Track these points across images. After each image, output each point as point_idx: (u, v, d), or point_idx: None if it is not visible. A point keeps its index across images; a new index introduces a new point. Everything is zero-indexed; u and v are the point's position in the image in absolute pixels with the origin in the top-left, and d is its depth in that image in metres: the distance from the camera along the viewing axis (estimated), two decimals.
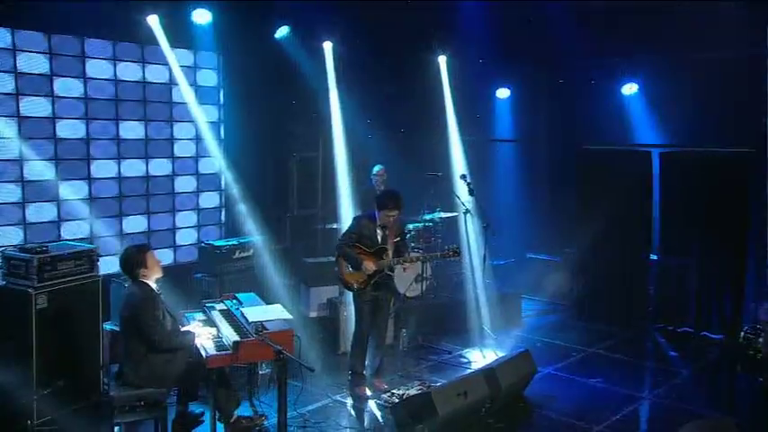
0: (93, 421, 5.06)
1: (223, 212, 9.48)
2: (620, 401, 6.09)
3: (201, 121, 8.64)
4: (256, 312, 5.23)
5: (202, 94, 9.03)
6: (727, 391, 6.66)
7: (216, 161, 9.06)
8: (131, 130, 8.24)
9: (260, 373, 6.51)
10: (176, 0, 8.06)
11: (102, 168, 7.98)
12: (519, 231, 10.59)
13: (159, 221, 8.58)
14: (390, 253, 6.09)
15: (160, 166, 8.64)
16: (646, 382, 6.56)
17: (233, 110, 9.31)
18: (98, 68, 7.81)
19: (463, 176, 8.10)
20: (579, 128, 9.86)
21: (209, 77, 9.13)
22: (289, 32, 9.05)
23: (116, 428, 4.83)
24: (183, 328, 5.12)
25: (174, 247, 8.66)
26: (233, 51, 9.07)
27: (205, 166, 9.18)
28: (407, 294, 7.93)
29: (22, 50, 7.17)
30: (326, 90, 9.49)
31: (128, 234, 8.08)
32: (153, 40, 7.95)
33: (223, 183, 9.42)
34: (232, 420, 5.16)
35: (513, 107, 11.04)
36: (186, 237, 8.95)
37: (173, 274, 7.55)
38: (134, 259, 5.02)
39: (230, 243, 6.98)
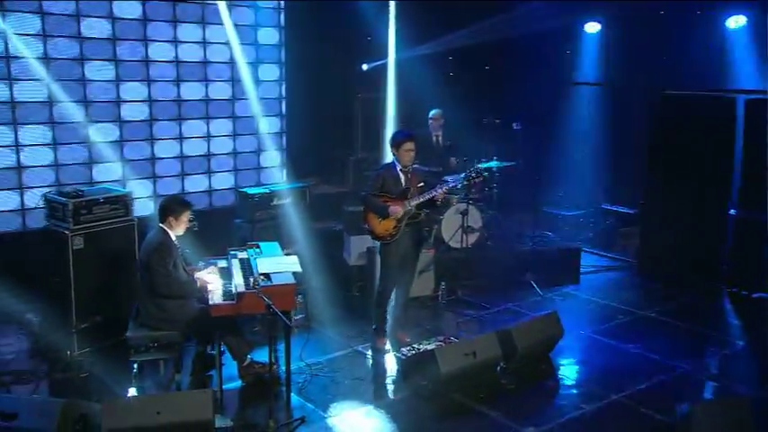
0: (122, 357, 5.65)
1: (284, 154, 9.95)
2: (652, 370, 6.02)
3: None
4: (267, 263, 5.58)
5: (264, 36, 9.38)
6: None
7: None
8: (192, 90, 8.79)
9: (294, 318, 7.00)
10: None
11: (166, 130, 8.63)
12: (595, 181, 10.41)
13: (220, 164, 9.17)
14: (414, 193, 6.20)
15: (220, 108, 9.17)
16: (689, 352, 6.38)
17: (295, 51, 9.61)
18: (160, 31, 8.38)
19: (514, 123, 8.00)
20: (673, 70, 9.42)
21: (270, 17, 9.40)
22: None
23: (134, 365, 5.37)
24: (197, 274, 5.55)
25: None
26: None
27: (267, 108, 9.60)
28: (451, 244, 8.08)
29: (88, 16, 7.76)
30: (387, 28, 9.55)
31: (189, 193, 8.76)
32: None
33: (284, 126, 9.84)
34: (245, 364, 5.61)
35: (602, 44, 10.61)
36: (248, 179, 9.53)
37: (217, 216, 8.19)
38: (172, 207, 5.49)
39: (265, 190, 7.32)
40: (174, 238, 5.46)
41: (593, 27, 10.65)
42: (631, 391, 5.66)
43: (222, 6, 8.46)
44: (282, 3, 9.46)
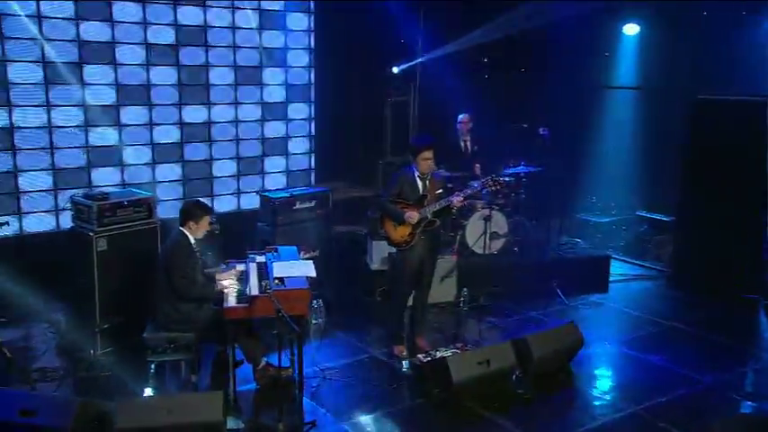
0: (142, 358, 5.82)
1: (312, 158, 10.09)
2: (675, 383, 5.95)
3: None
4: (283, 267, 5.68)
5: (292, 39, 9.53)
6: None
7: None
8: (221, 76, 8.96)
9: (312, 323, 7.13)
10: None
11: (194, 114, 8.83)
12: (631, 187, 10.29)
13: (248, 167, 9.38)
14: (431, 200, 6.21)
15: (250, 112, 9.33)
16: (715, 365, 6.25)
17: (324, 53, 9.73)
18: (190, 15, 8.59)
19: (540, 128, 7.97)
20: (714, 73, 9.29)
21: (299, 21, 9.53)
22: None
23: (152, 366, 5.53)
24: (217, 276, 5.68)
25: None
26: None
27: (295, 112, 9.75)
28: (475, 250, 8.08)
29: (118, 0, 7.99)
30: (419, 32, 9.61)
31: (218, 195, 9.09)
32: None
33: (313, 128, 9.98)
34: (260, 367, 5.73)
35: (641, 46, 10.48)
36: (275, 181, 9.69)
37: (244, 219, 8.34)
38: (192, 211, 5.63)
39: (286, 194, 7.44)
40: (193, 242, 5.59)
41: (631, 29, 10.50)
42: (650, 403, 5.60)
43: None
44: (312, 4, 9.56)
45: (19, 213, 7.63)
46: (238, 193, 9.36)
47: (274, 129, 9.63)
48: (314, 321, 7.15)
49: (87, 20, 7.87)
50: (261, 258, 6.13)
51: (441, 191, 6.28)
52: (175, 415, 4.66)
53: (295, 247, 6.36)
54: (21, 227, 7.69)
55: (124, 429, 4.58)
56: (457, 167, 8.83)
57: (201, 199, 8.18)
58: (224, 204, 9.22)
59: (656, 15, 10.11)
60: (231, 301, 5.36)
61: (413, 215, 6.13)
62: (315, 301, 7.21)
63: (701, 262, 8.33)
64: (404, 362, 6.25)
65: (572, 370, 6.19)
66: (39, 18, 7.56)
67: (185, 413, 4.69)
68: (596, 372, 6.25)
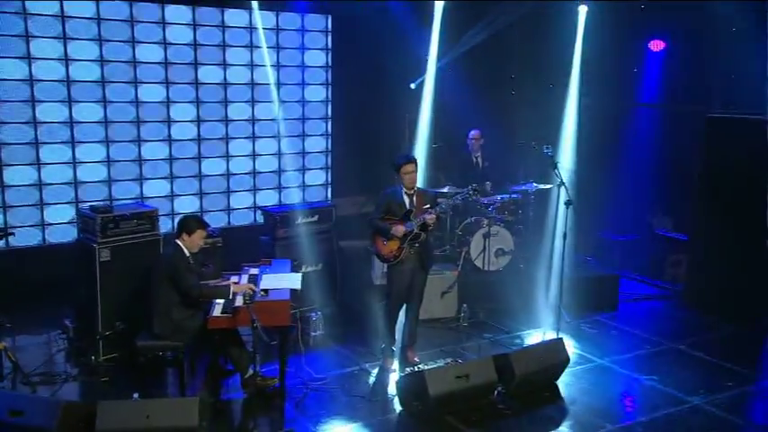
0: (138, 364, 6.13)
1: (329, 174, 10.38)
2: (661, 403, 5.97)
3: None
4: (270, 280, 5.96)
5: (310, 57, 9.86)
6: None
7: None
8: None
9: (312, 335, 7.38)
10: None
11: (212, 149, 9.31)
12: (650, 206, 10.25)
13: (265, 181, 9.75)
14: (417, 215, 6.39)
15: (266, 127, 9.69)
16: (708, 386, 6.24)
17: (342, 72, 10.02)
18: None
19: (544, 147, 8.04)
20: (740, 91, 9.21)
21: (317, 40, 9.89)
22: None
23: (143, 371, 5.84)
24: (223, 283, 5.98)
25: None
26: (341, 13, 9.71)
27: (311, 127, 10.06)
28: (479, 266, 8.20)
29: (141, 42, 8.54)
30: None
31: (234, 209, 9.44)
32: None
33: (330, 143, 10.27)
34: (247, 376, 5.97)
35: (666, 63, 10.45)
36: (293, 196, 10.00)
37: (256, 232, 8.63)
38: (188, 224, 5.93)
39: (287, 209, 7.70)
40: (187, 254, 5.89)
41: (657, 45, 10.49)
42: (632, 422, 5.66)
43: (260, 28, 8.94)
44: (329, 21, 9.85)
45: (42, 225, 8.13)
46: (254, 207, 9.68)
47: (292, 144, 9.90)
48: (312, 333, 7.37)
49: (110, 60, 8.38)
50: (254, 270, 6.42)
51: (428, 206, 6.44)
52: (153, 418, 4.94)
53: (288, 260, 6.63)
54: (44, 237, 8.17)
55: (105, 431, 4.87)
56: (468, 182, 8.95)
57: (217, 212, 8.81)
58: (240, 218, 9.55)
59: (683, 32, 10.05)
60: (216, 311, 5.63)
61: (398, 228, 6.36)
62: (314, 314, 7.46)
63: (713, 283, 8.28)
64: (396, 373, 6.41)
65: (557, 387, 6.24)
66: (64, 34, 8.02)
67: (162, 417, 4.97)
68: (582, 390, 6.29)
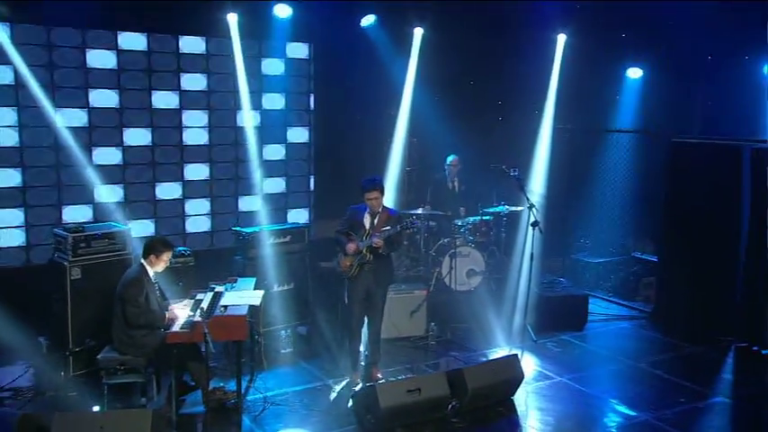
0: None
1: (311, 196, 10.53)
2: (611, 418, 6.08)
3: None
4: (232, 296, 6.11)
5: (293, 84, 10.06)
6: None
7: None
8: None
9: (281, 352, 7.50)
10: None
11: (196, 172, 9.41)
12: (627, 229, 10.35)
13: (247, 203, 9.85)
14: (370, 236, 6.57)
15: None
16: (659, 402, 6.33)
17: (325, 97, 10.21)
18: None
19: (511, 169, 8.21)
20: (712, 116, 9.43)
21: (300, 67, 10.07)
22: (375, 21, 9.68)
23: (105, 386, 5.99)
24: (171, 307, 6.13)
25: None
26: (322, 42, 9.94)
27: (294, 151, 10.23)
28: (449, 285, 8.33)
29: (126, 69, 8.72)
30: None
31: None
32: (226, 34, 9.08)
33: (311, 167, 10.43)
34: (208, 390, 6.10)
35: (643, 90, 10.63)
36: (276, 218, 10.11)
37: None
38: (155, 246, 6.13)
39: (258, 229, 7.87)
40: (151, 275, 6.06)
41: (635, 72, 10.67)
42: None
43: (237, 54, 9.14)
44: (311, 49, 10.07)
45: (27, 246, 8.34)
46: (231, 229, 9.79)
47: (275, 168, 10.08)
48: (282, 351, 7.50)
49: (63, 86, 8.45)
50: (220, 288, 6.55)
51: (387, 227, 6.60)
52: (107, 429, 5.06)
53: (253, 278, 6.78)
54: (28, 258, 8.38)
55: None
56: (445, 207, 9.15)
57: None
58: (224, 240, 9.70)
59: (660, 60, 10.23)
60: (176, 327, 5.78)
61: (350, 246, 6.56)
62: (283, 332, 7.58)
63: (680, 304, 8.38)
64: (356, 388, 6.56)
65: (512, 402, 6.32)
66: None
67: (116, 428, 5.10)
68: (536, 406, 6.38)
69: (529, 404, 6.38)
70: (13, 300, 7.18)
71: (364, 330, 6.94)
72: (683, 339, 7.99)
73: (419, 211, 8.83)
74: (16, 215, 8.32)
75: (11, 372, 6.85)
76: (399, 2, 9.87)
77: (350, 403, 6.15)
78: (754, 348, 7.67)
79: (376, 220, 6.65)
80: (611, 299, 9.55)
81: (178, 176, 9.36)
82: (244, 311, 5.85)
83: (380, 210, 6.67)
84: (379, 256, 6.60)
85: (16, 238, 8.34)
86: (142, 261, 6.14)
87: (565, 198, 10.23)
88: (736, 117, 9.20)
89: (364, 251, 6.55)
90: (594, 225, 10.40)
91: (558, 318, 8.38)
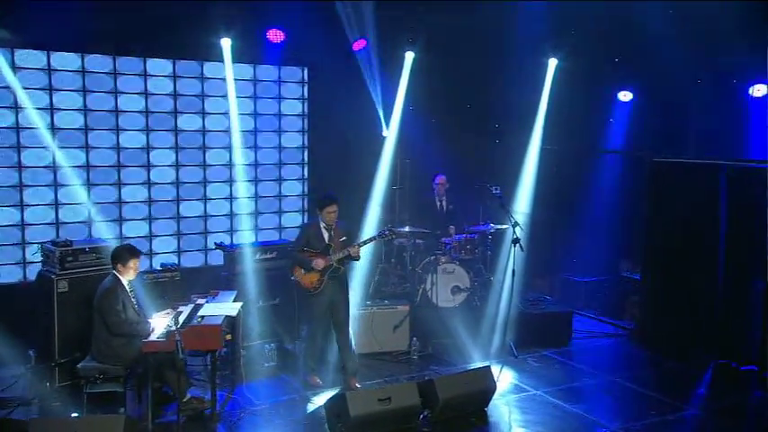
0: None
1: (305, 215, 10.67)
2: (580, 428, 6.09)
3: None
4: (210, 308, 6.26)
5: (287, 107, 10.27)
6: None
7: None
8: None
9: (265, 365, 7.60)
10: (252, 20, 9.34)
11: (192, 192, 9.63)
12: (616, 249, 10.39)
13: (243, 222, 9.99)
14: (336, 249, 6.86)
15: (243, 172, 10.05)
16: (631, 415, 6.38)
17: (317, 119, 10.40)
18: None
19: (493, 187, 8.33)
20: (700, 137, 9.51)
21: (294, 90, 10.30)
22: (367, 46, 9.88)
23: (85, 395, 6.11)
24: (149, 319, 6.27)
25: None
26: (315, 66, 10.15)
27: (288, 172, 10.41)
28: (433, 301, 8.42)
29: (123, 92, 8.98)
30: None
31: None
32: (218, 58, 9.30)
33: (306, 187, 10.59)
34: (185, 400, 6.21)
35: (633, 113, 10.74)
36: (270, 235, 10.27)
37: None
38: (120, 254, 6.29)
39: (241, 245, 8.02)
40: (125, 283, 6.21)
41: (625, 96, 10.79)
42: None
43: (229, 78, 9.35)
44: (305, 73, 10.29)
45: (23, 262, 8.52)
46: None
47: (269, 188, 10.25)
48: (266, 364, 7.59)
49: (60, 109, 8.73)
50: (201, 300, 6.70)
51: (344, 239, 6.91)
52: None
53: (234, 292, 6.94)
54: (24, 275, 8.55)
55: None
56: (434, 226, 9.26)
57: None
58: (216, 258, 9.83)
59: (650, 83, 10.34)
60: (153, 337, 5.91)
61: (319, 262, 6.75)
62: (267, 346, 7.69)
63: (662, 321, 8.42)
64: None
65: (486, 413, 6.36)
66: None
67: None
68: (509, 416, 6.45)
69: (501, 415, 6.44)
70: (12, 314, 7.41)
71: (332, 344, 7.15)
72: (664, 356, 8.02)
73: (406, 228, 8.93)
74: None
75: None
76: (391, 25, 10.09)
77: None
78: (733, 365, 7.66)
79: (332, 233, 6.85)
80: (598, 317, 9.55)
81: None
82: (218, 321, 5.97)
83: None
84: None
85: None
86: (114, 272, 6.28)
87: (554, 218, 10.30)
88: (725, 138, 9.28)
89: (335, 264, 6.69)
90: (584, 245, 10.43)
91: (541, 334, 8.43)
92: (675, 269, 8.33)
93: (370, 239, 7.16)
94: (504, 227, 9.11)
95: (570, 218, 10.44)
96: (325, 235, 6.91)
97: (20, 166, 8.54)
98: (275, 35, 9.38)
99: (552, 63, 10.60)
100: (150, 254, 9.36)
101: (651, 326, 8.54)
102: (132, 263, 6.20)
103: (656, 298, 8.59)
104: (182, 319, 6.11)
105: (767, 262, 7.32)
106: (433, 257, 8.93)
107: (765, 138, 8.70)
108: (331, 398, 6.23)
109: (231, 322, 6.58)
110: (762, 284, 7.47)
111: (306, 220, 7.28)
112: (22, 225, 8.63)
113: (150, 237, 9.52)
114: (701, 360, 7.77)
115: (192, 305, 6.56)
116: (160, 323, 6.16)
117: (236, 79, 9.57)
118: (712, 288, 8.00)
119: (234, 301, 6.74)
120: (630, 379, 7.33)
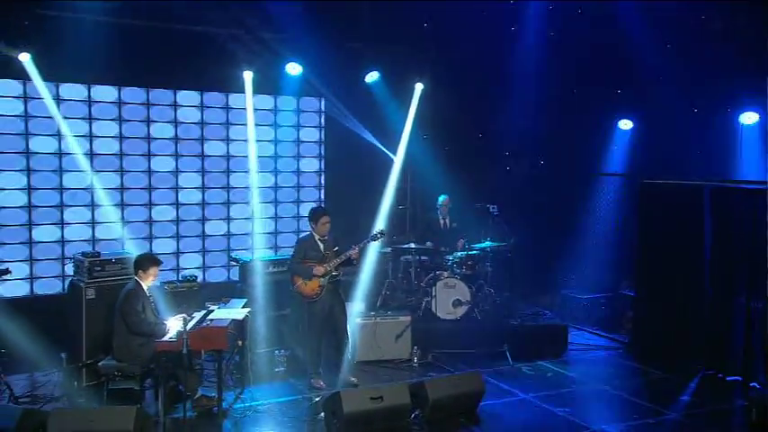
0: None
1: None
2: (563, 428, 6.17)
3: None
4: (221, 312, 6.52)
5: (305, 134, 10.60)
6: None
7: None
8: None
9: (275, 370, 7.80)
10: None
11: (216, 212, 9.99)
12: (616, 267, 10.40)
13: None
14: (331, 257, 7.21)
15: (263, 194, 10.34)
16: (615, 418, 6.44)
17: (333, 145, 10.70)
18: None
19: (491, 207, 8.50)
20: (699, 163, 9.54)
21: (311, 119, 10.65)
22: (379, 78, 10.20)
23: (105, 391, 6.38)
24: (168, 320, 6.54)
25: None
26: (331, 96, 10.49)
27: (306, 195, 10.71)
28: (436, 314, 8.57)
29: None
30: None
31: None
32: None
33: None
34: (196, 397, 6.44)
35: (633, 140, 10.83)
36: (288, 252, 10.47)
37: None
38: (141, 262, 6.60)
39: (252, 259, 8.28)
40: (145, 288, 6.50)
41: (626, 124, 10.90)
42: None
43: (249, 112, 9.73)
44: (323, 103, 10.62)
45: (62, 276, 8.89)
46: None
47: (287, 209, 10.55)
48: (276, 369, 7.79)
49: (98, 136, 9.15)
50: (213, 306, 6.95)
51: (336, 248, 7.28)
52: (96, 423, 5.45)
53: (243, 299, 7.20)
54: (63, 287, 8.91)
55: None
56: (438, 243, 9.46)
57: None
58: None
59: (649, 112, 10.43)
60: (166, 338, 6.17)
61: (320, 269, 7.04)
62: (277, 352, 7.90)
63: (654, 334, 8.44)
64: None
65: (475, 415, 6.46)
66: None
67: (104, 422, 5.47)
68: (497, 418, 6.52)
69: (489, 416, 6.51)
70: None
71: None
72: (655, 367, 8.03)
73: (411, 245, 9.14)
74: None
75: (34, 380, 7.29)
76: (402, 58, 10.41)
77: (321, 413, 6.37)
78: (719, 375, 7.65)
79: (325, 244, 7.23)
80: (595, 331, 9.58)
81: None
82: (225, 324, 6.21)
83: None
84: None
85: None
86: (135, 278, 6.57)
87: (556, 237, 10.38)
88: (719, 162, 9.30)
89: (333, 270, 6.91)
90: (586, 264, 10.49)
91: (537, 346, 8.49)
92: (666, 284, 8.37)
93: (365, 243, 7.53)
94: (502, 244, 9.24)
95: (573, 238, 10.52)
96: (320, 245, 7.27)
97: (61, 188, 8.98)
98: (293, 68, 9.70)
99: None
100: (177, 269, 9.71)
101: (644, 339, 8.54)
102: (152, 270, 6.49)
103: (649, 312, 8.61)
104: (193, 322, 6.34)
105: (749, 278, 7.37)
106: (436, 273, 9.09)
107: (756, 161, 8.74)
108: (328, 396, 6.39)
109: (240, 328, 6.81)
110: (744, 299, 7.48)
111: (300, 238, 7.61)
112: (62, 241, 9.04)
113: (177, 253, 9.85)
114: (689, 371, 7.75)
115: (205, 310, 6.80)
116: (174, 325, 6.42)
117: (258, 109, 10.00)
118: (701, 302, 8.02)
119: (243, 307, 6.95)
120: (618, 387, 7.36)
